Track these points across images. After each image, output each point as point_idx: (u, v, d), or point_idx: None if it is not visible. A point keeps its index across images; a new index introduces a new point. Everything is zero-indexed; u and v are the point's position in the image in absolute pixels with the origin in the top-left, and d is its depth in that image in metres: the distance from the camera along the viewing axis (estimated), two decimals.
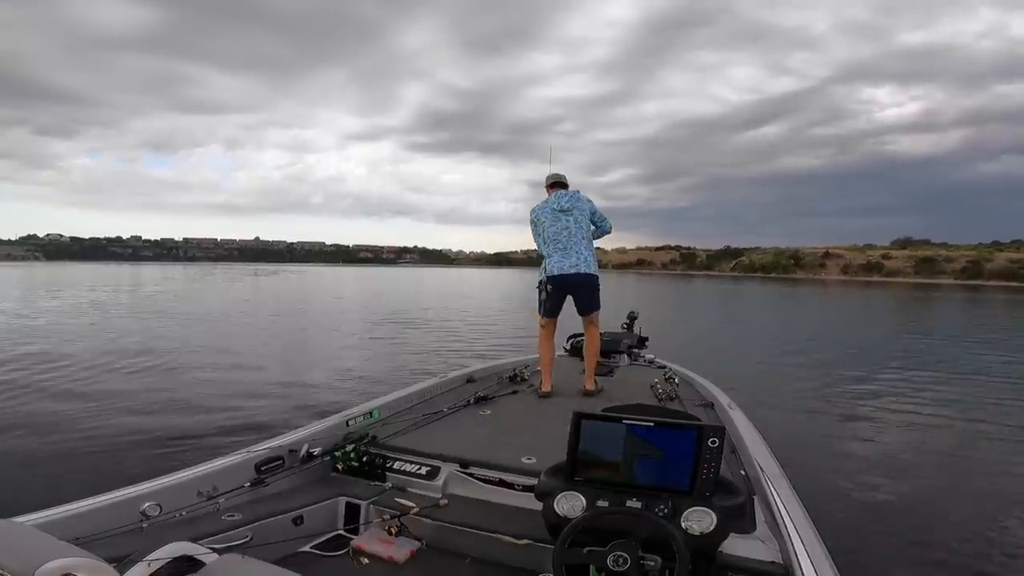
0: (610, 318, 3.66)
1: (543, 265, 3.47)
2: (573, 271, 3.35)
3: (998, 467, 4.41)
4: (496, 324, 15.04)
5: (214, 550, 1.09)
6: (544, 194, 3.61)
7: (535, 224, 3.51)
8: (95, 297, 22.29)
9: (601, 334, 3.73)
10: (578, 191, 3.51)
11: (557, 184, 3.59)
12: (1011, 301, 37.37)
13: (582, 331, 3.81)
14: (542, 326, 3.52)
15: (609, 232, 3.69)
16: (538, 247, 3.54)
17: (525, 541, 1.68)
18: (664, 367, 4.08)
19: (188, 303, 20.53)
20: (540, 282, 3.48)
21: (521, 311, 18.14)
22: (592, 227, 3.53)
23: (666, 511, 1.37)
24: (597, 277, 3.45)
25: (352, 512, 1.98)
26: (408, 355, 9.41)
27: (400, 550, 1.76)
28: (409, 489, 2.07)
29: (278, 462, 2.06)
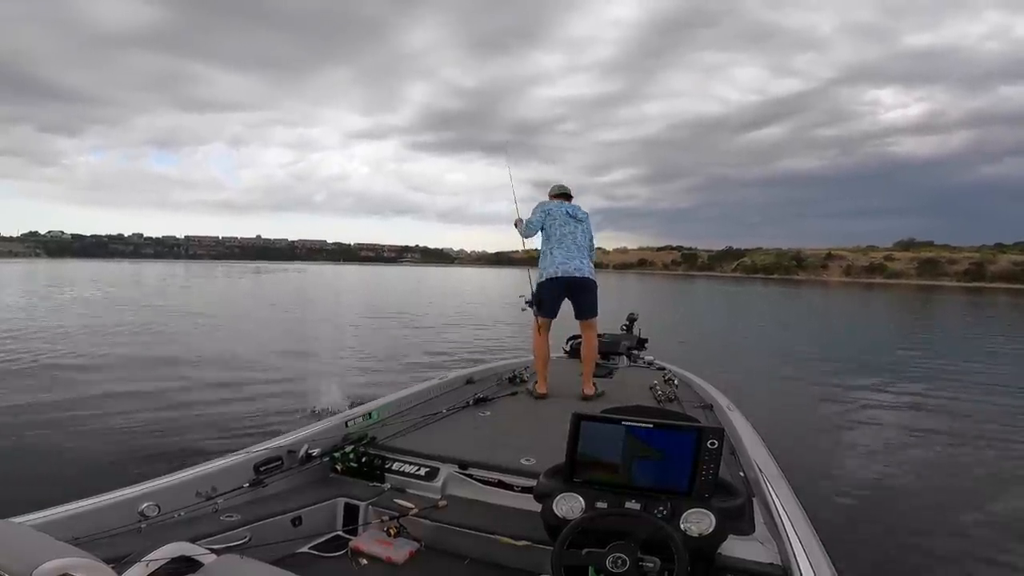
0: (610, 319, 3.65)
1: (544, 263, 3.44)
2: (578, 274, 3.37)
3: (1000, 468, 4.41)
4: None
5: (212, 551, 1.09)
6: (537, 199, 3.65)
7: (546, 215, 3.51)
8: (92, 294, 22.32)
9: (600, 335, 3.73)
10: (585, 212, 3.61)
11: (563, 195, 3.68)
12: (1015, 304, 37.21)
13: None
14: (539, 326, 3.50)
15: (590, 258, 3.66)
16: (530, 226, 3.52)
17: (524, 542, 1.68)
18: (663, 369, 4.08)
19: (191, 299, 20.57)
20: (542, 280, 3.42)
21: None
22: None
23: (665, 512, 1.37)
24: (596, 283, 3.50)
25: (351, 513, 1.98)
26: (407, 355, 9.41)
27: (399, 551, 1.76)
28: (408, 490, 2.07)
29: (277, 463, 2.06)
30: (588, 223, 3.59)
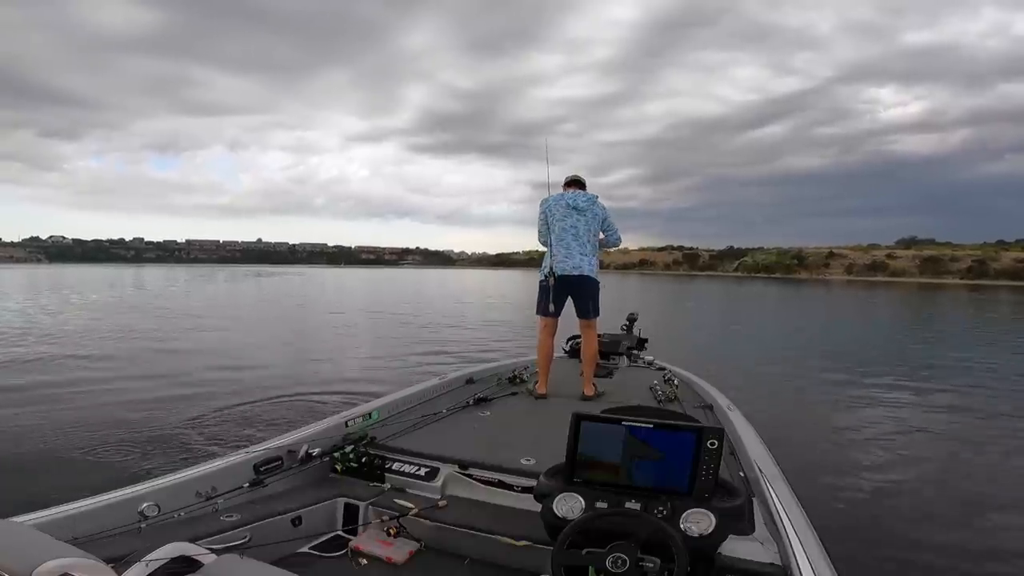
0: (610, 319, 3.63)
1: (546, 261, 3.41)
2: (576, 273, 3.32)
3: (1001, 469, 4.39)
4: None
5: (212, 551, 1.09)
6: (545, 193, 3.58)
7: (545, 214, 3.45)
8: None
9: (600, 336, 3.68)
10: (596, 196, 3.48)
11: (575, 183, 3.56)
12: (1020, 301, 37.03)
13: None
14: (543, 325, 3.48)
15: (616, 245, 3.63)
16: (540, 235, 3.50)
17: (524, 542, 1.68)
18: (663, 369, 4.08)
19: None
20: (542, 279, 3.41)
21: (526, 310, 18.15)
22: (600, 234, 3.51)
23: (665, 513, 1.36)
24: (598, 282, 3.43)
25: (351, 513, 1.98)
26: (408, 355, 9.41)
27: (399, 551, 1.76)
28: (408, 490, 2.07)
29: (277, 463, 2.06)
30: (594, 210, 3.40)
